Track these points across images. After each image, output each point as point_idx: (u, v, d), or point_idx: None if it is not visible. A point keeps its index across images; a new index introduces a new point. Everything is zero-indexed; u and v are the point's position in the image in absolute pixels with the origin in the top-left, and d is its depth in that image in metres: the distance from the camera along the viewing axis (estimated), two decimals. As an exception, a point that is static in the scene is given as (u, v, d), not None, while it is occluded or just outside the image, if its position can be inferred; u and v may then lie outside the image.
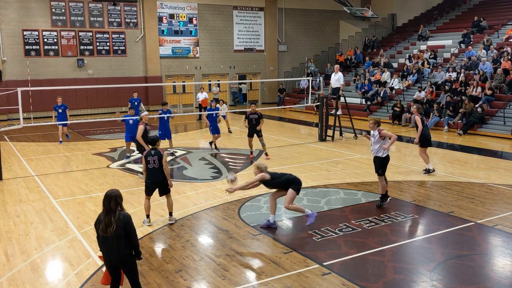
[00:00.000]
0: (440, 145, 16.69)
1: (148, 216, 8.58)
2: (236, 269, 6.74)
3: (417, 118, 11.95)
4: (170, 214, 8.67)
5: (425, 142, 12.01)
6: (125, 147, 14.68)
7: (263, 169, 8.17)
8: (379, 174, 9.48)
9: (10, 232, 8.36)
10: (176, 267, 6.83)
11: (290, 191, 8.10)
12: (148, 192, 8.45)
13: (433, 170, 12.08)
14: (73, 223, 8.74)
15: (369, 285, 6.22)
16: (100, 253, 5.48)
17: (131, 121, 13.96)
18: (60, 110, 16.84)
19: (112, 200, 5.20)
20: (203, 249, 7.58)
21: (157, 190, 8.46)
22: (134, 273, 5.42)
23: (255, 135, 13.94)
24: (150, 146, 8.42)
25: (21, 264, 7.03)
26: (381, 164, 9.42)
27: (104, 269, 6.75)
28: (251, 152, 14.34)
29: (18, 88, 12.90)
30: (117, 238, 5.15)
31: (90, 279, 6.49)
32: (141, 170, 12.90)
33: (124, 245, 5.21)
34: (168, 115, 14.79)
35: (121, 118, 14.88)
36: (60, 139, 17.14)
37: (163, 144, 15.37)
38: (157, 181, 8.29)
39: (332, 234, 8.00)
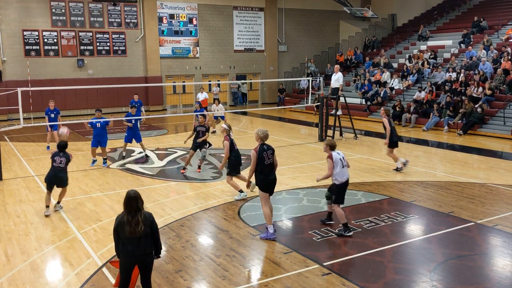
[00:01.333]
0: (440, 145, 16.70)
1: (47, 206, 9.31)
2: (236, 269, 6.74)
3: (385, 120, 12.17)
4: (58, 202, 9.56)
5: (393, 143, 12.25)
6: (132, 147, 14.35)
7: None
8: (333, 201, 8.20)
9: (10, 232, 8.37)
10: (176, 267, 6.83)
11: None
12: (49, 188, 9.31)
13: (407, 162, 12.45)
14: (73, 223, 8.74)
15: (369, 285, 6.22)
16: (114, 259, 5.46)
17: (98, 125, 13.19)
18: (52, 115, 15.55)
19: (139, 200, 5.28)
20: (203, 249, 7.58)
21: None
22: (151, 272, 5.48)
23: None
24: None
25: (21, 264, 7.03)
26: (335, 190, 8.10)
27: (105, 269, 6.77)
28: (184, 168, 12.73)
29: (18, 88, 12.89)
30: (145, 236, 5.24)
31: (90, 279, 6.49)
32: (142, 170, 12.91)
33: (150, 243, 5.31)
34: (136, 117, 14.26)
35: (88, 121, 13.69)
36: (48, 145, 16.10)
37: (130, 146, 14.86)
38: (53, 180, 9.29)
39: (332, 234, 8.00)
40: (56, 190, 9.45)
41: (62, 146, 9.39)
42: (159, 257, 5.57)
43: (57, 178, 9.25)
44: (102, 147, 13.47)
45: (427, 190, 10.77)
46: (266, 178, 7.76)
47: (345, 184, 8.03)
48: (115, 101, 25.70)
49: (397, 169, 12.29)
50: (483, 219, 8.65)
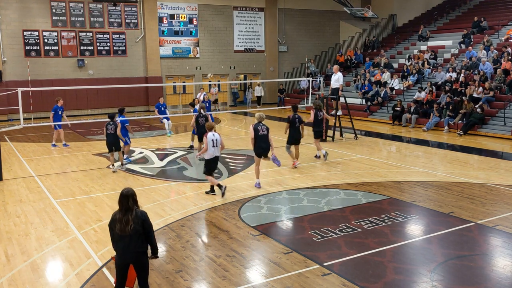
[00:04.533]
0: (440, 145, 16.70)
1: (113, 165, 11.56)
2: (236, 270, 6.73)
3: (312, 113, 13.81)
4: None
5: (316, 132, 13.80)
6: (124, 149, 14.51)
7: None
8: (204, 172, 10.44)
9: (10, 232, 8.37)
10: (176, 268, 6.83)
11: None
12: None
13: (326, 154, 13.78)
14: (73, 224, 8.74)
15: (369, 285, 6.22)
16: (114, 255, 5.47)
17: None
18: (60, 112, 16.30)
19: (130, 199, 5.25)
20: (203, 249, 7.58)
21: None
22: (147, 272, 5.45)
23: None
24: None
25: (22, 265, 7.03)
26: (205, 163, 10.25)
27: (105, 269, 6.77)
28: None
29: (18, 89, 12.90)
30: (135, 235, 5.21)
31: (90, 280, 6.49)
32: (142, 170, 12.92)
33: (141, 243, 5.27)
34: (210, 113, 14.64)
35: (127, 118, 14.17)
36: (62, 143, 16.64)
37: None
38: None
39: (333, 234, 8.00)
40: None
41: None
42: (157, 257, 5.53)
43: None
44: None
45: (427, 190, 10.77)
46: (259, 146, 10.58)
47: (213, 159, 10.05)
48: (115, 101, 25.64)
49: (316, 156, 13.96)
50: (483, 220, 8.64)
